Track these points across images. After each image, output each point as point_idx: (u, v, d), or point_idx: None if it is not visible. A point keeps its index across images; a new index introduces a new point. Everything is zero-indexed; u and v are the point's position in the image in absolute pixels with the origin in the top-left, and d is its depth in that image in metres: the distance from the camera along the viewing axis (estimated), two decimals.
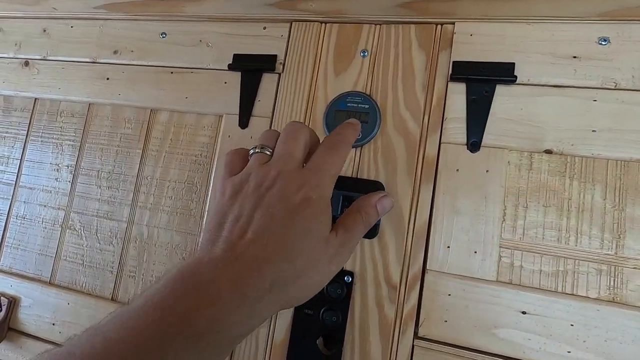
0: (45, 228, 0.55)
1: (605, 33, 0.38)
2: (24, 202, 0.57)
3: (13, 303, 0.53)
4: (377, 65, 0.44)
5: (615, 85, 0.37)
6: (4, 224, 0.57)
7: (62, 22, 0.60)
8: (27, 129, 0.59)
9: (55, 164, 0.56)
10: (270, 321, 0.42)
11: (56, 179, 0.56)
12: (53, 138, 0.57)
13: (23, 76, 0.60)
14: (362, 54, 0.45)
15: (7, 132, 0.60)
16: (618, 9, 0.38)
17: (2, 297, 0.53)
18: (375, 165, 0.42)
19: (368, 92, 0.44)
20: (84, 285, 0.51)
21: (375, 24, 0.45)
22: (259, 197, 0.26)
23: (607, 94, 0.37)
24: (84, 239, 0.53)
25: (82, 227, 0.53)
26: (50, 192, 0.55)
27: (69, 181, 0.55)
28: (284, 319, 0.42)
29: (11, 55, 0.62)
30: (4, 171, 0.59)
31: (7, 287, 0.54)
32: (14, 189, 0.58)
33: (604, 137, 0.37)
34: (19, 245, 0.56)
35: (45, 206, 0.55)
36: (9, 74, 0.61)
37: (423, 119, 0.42)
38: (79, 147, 0.55)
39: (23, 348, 0.51)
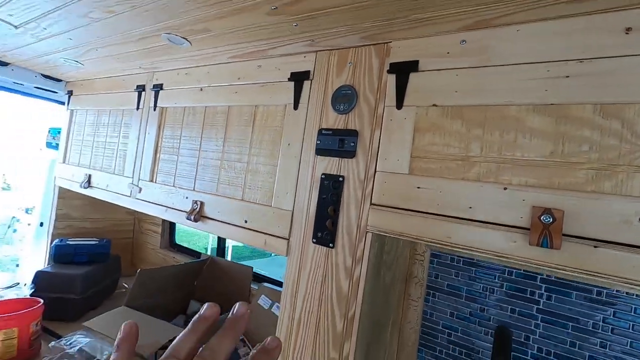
0: (212, 168, 1.12)
1: (465, 38, 0.71)
2: (203, 157, 1.16)
3: (201, 205, 1.12)
4: (356, 69, 0.85)
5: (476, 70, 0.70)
6: (195, 169, 1.17)
7: (215, 67, 1.17)
8: (202, 121, 1.18)
9: (215, 138, 1.13)
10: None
11: (215, 145, 1.13)
12: (213, 125, 1.15)
13: (199, 96, 1.20)
14: (348, 64, 0.86)
15: (192, 124, 1.21)
16: (474, 22, 0.70)
17: (200, 202, 1.13)
18: (354, 122, 0.83)
19: (351, 84, 0.85)
20: (229, 194, 1.07)
21: (354, 48, 0.86)
22: None
23: (467, 72, 0.70)
24: (229, 172, 1.08)
25: (228, 167, 1.08)
26: (214, 151, 1.13)
27: (221, 145, 1.11)
28: None
29: (194, 86, 1.22)
30: (194, 143, 1.20)
31: (199, 197, 1.14)
32: (198, 152, 1.18)
33: (464, 94, 0.70)
34: (202, 178, 1.15)
35: (212, 159, 1.13)
36: (194, 95, 1.22)
37: (377, 95, 0.81)
38: (224, 128, 1.11)
39: (207, 225, 1.10)
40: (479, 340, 1.43)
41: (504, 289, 1.41)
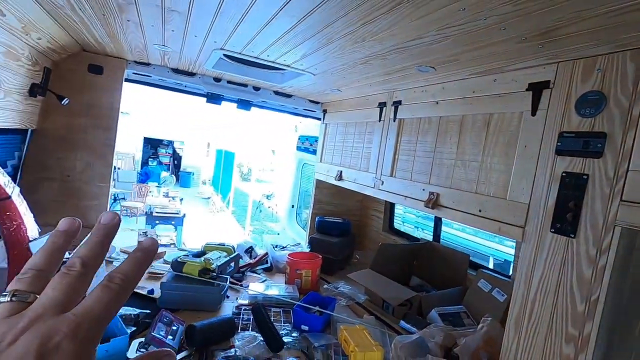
0: (447, 166, 1.39)
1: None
2: (438, 158, 1.44)
3: (437, 195, 1.41)
4: (605, 75, 0.91)
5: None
6: (430, 167, 1.47)
7: (449, 84, 1.43)
8: (436, 129, 1.47)
9: (449, 142, 1.39)
10: None
11: (450, 148, 1.39)
12: (447, 132, 1.41)
13: (434, 108, 1.49)
14: (597, 71, 0.93)
15: (427, 131, 1.51)
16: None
17: (436, 193, 1.42)
18: (601, 125, 0.91)
19: (599, 89, 0.92)
20: (464, 187, 1.30)
21: (604, 55, 0.92)
22: None
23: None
24: (463, 170, 1.32)
25: (462, 165, 1.32)
26: (448, 153, 1.40)
27: (455, 148, 1.36)
28: None
29: (429, 100, 1.52)
30: (429, 147, 1.50)
31: (435, 189, 1.43)
32: (433, 153, 1.47)
33: None
34: (437, 174, 1.44)
35: (446, 159, 1.40)
36: (429, 108, 1.52)
37: (631, 98, 0.86)
38: (458, 134, 1.36)
39: None
40: None
41: None
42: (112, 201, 7.94)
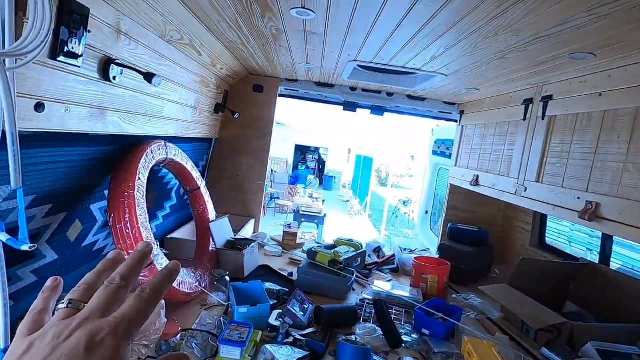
0: (612, 170, 1.14)
1: None
2: (600, 160, 1.20)
3: (596, 205, 1.17)
4: None
5: None
6: (588, 171, 1.23)
7: (617, 70, 1.17)
8: (599, 125, 1.22)
9: (616, 141, 1.14)
10: None
11: (617, 148, 1.14)
12: (614, 129, 1.16)
13: (596, 101, 1.24)
14: None
15: (586, 129, 1.27)
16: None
17: (595, 203, 1.19)
18: None
19: None
20: (636, 196, 1.05)
21: None
22: (52, 348, 0.27)
23: None
24: (635, 175, 1.06)
25: (634, 169, 1.07)
26: (614, 154, 1.14)
27: (625, 148, 1.11)
28: None
29: (589, 92, 1.28)
30: (587, 147, 1.26)
31: (594, 198, 1.19)
32: (593, 155, 1.23)
33: None
34: (598, 180, 1.19)
35: (611, 161, 1.15)
36: (590, 101, 1.27)
37: None
38: (630, 131, 1.10)
39: None
40: None
41: None
42: (269, 199, 9.35)
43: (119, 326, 0.29)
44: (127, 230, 1.15)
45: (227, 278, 1.55)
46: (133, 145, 1.33)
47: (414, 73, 1.72)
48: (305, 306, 1.45)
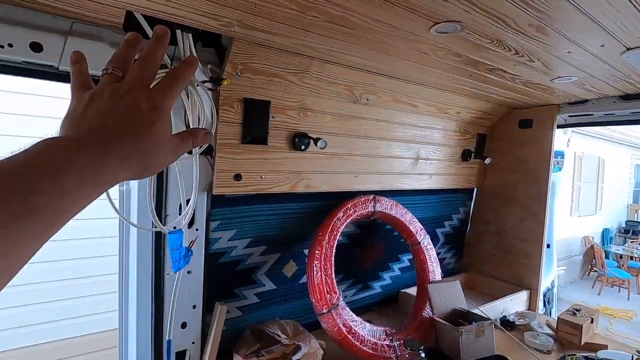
0: None
1: None
2: None
3: None
4: None
5: None
6: None
7: None
8: None
9: None
10: None
11: None
12: None
13: None
14: None
15: None
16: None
17: None
18: None
19: None
20: None
21: None
22: (114, 102, 0.36)
23: None
24: None
25: None
26: None
27: None
28: None
29: None
30: None
31: None
32: None
33: None
34: None
35: None
36: None
37: None
38: None
39: None
40: None
41: None
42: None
43: (164, 91, 0.39)
44: (313, 276, 1.31)
45: (422, 354, 1.30)
46: (341, 199, 1.50)
47: None
48: None
